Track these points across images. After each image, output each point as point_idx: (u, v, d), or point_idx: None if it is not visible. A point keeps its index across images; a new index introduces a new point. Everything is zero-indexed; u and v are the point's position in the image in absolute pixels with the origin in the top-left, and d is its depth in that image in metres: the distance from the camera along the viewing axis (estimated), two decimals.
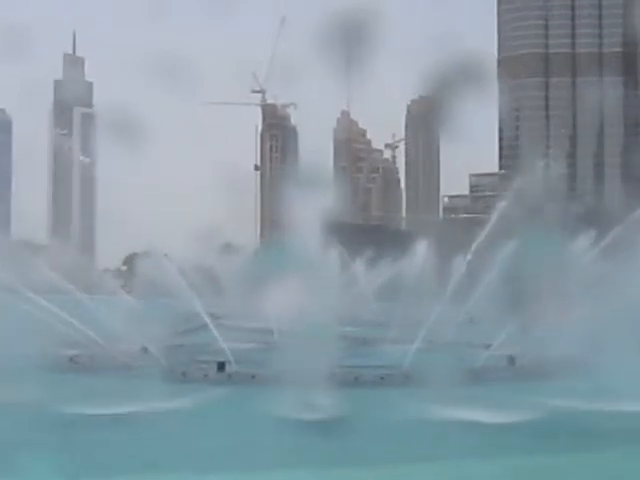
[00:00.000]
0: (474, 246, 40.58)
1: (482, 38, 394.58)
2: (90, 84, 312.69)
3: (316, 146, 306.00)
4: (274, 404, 23.35)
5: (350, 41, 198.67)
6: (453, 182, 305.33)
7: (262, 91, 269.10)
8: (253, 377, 32.06)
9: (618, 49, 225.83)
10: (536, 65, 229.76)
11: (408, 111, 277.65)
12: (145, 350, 36.86)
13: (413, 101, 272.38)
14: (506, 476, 18.92)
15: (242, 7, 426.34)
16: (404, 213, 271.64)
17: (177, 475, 18.25)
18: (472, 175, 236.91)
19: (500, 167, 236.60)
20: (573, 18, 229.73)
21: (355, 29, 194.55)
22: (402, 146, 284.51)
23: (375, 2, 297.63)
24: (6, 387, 24.10)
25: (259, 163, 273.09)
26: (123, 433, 21.74)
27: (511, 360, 34.13)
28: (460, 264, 42.14)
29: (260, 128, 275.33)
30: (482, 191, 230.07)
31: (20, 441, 19.97)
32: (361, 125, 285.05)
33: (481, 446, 20.60)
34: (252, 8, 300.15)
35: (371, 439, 22.19)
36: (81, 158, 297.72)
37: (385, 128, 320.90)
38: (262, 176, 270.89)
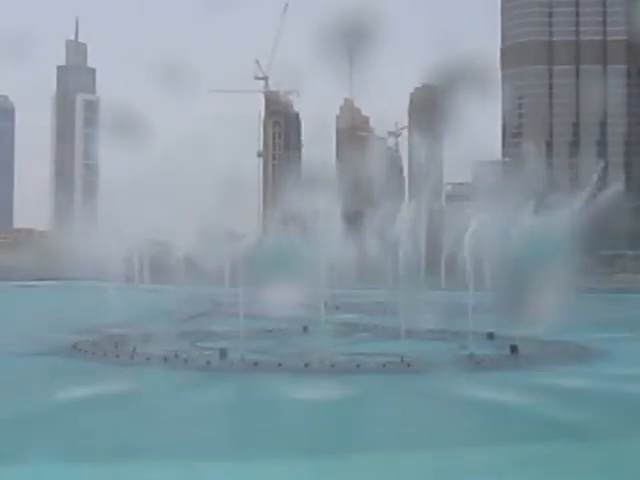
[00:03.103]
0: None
1: (485, 26, 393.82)
2: (93, 70, 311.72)
3: (318, 133, 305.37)
4: None
5: (354, 29, 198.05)
6: (456, 170, 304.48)
7: (265, 78, 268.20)
8: (255, 364, 32.03)
9: (622, 37, 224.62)
10: (540, 53, 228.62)
11: (411, 99, 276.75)
12: (148, 337, 36.94)
13: (416, 89, 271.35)
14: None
15: None
16: (407, 201, 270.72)
17: None
18: (475, 163, 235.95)
19: (503, 155, 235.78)
20: (577, 5, 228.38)
21: (358, 17, 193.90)
22: (405, 134, 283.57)
23: None
24: None
25: (262, 150, 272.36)
26: None
27: (514, 348, 34.19)
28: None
29: (263, 115, 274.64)
30: (484, 179, 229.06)
31: None
32: (364, 113, 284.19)
33: None
34: None
35: None
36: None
37: (388, 116, 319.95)
38: (265, 163, 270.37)
